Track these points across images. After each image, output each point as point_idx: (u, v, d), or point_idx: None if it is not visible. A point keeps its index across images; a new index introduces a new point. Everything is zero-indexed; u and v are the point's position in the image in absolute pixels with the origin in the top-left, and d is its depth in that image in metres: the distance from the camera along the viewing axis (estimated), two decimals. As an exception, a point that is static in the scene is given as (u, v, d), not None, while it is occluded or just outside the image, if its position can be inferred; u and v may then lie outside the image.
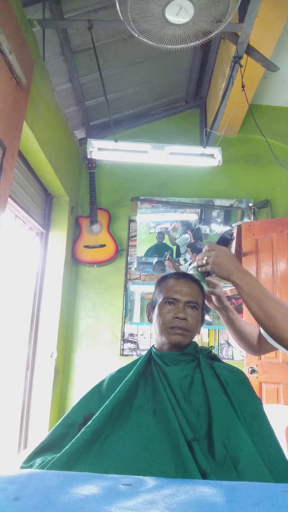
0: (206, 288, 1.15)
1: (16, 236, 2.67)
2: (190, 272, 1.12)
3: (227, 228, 3.20)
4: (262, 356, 2.54)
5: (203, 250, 1.10)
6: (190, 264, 3.10)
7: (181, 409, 0.88)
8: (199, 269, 1.10)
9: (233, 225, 3.17)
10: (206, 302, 1.18)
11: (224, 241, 1.11)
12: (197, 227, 3.22)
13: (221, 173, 3.24)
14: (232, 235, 1.12)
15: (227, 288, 2.98)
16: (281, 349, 1.20)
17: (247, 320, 2.64)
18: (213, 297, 1.21)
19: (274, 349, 1.22)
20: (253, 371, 2.53)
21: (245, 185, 3.28)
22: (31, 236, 2.78)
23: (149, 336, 3.11)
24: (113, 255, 3.05)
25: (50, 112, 2.38)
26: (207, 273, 1.10)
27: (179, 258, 3.16)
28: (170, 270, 3.08)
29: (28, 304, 2.70)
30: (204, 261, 1.07)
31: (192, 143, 2.85)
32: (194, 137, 3.33)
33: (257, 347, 1.24)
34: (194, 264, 1.11)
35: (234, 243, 2.73)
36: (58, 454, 0.82)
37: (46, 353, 2.67)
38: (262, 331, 1.23)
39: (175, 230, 3.25)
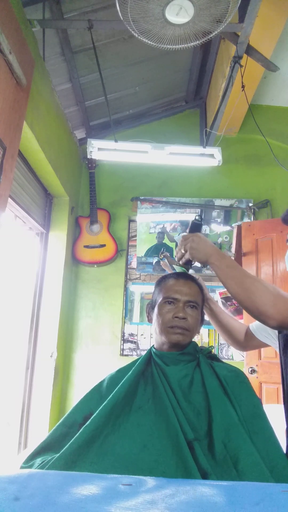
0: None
1: (16, 236, 2.67)
2: (176, 269, 1.15)
3: (227, 227, 3.20)
4: (262, 356, 2.54)
5: (179, 242, 1.12)
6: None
7: (181, 408, 0.88)
8: (180, 261, 1.12)
9: (233, 225, 3.17)
10: None
11: (195, 227, 1.16)
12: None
13: (221, 173, 3.24)
14: (201, 220, 1.17)
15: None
16: (268, 342, 1.21)
17: (246, 320, 2.65)
18: None
19: (262, 345, 1.25)
20: (253, 371, 2.53)
21: (245, 185, 3.28)
22: (31, 236, 2.78)
23: (149, 336, 3.11)
24: (113, 255, 3.05)
25: (50, 112, 2.38)
26: (189, 263, 1.12)
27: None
28: (167, 270, 3.07)
29: (28, 304, 2.70)
30: (182, 251, 1.10)
31: (192, 143, 2.85)
32: (194, 137, 3.33)
33: (244, 343, 1.27)
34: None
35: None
36: (58, 454, 0.82)
37: (46, 353, 2.67)
38: (252, 326, 1.26)
39: (175, 230, 3.25)
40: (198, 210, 3.26)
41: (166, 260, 2.90)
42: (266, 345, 1.25)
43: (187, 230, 1.20)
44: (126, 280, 3.17)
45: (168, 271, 1.43)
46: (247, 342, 1.26)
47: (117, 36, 2.43)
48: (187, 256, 1.09)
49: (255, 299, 0.92)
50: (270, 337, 1.21)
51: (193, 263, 1.13)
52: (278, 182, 3.23)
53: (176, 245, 3.18)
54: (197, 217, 1.18)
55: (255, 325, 1.25)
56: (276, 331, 1.16)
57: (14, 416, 2.50)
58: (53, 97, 2.46)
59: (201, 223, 1.18)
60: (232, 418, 0.86)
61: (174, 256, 1.19)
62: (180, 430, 0.83)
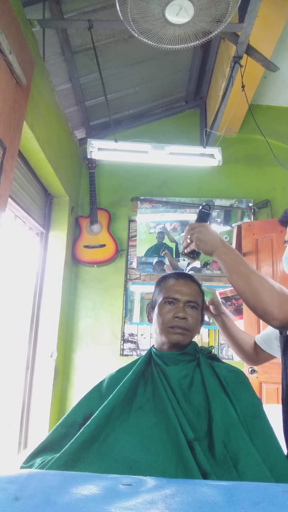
0: (206, 298, 1.15)
1: (16, 236, 2.67)
2: (183, 261, 1.12)
3: (227, 227, 3.20)
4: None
5: (185, 231, 1.08)
6: (188, 265, 3.10)
7: (181, 409, 0.88)
8: (185, 250, 1.08)
9: (233, 225, 3.17)
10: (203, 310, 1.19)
11: (203, 217, 1.11)
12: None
13: (221, 173, 3.24)
14: (209, 209, 1.12)
15: (227, 289, 2.98)
16: (276, 355, 1.19)
17: (246, 321, 2.65)
18: (211, 306, 1.22)
19: (271, 357, 1.21)
20: (253, 371, 2.53)
21: (245, 185, 3.27)
22: (31, 236, 2.78)
23: (149, 336, 3.11)
24: (113, 255, 3.05)
25: (50, 112, 2.38)
26: (195, 253, 1.08)
27: (178, 258, 3.16)
28: (168, 271, 3.08)
29: (28, 304, 2.70)
30: (188, 240, 1.06)
31: (192, 143, 2.85)
32: (194, 137, 3.33)
33: (254, 356, 1.24)
34: (184, 263, 1.11)
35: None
36: (58, 454, 0.82)
37: (46, 353, 2.67)
38: (257, 339, 1.22)
39: (175, 230, 3.25)
40: (198, 210, 3.25)
41: (167, 261, 2.91)
42: (274, 357, 1.20)
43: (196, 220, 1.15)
44: (126, 280, 3.17)
45: (168, 271, 1.43)
46: (257, 355, 1.23)
47: (117, 36, 2.43)
48: (192, 246, 1.05)
49: (261, 299, 0.90)
50: (277, 347, 1.17)
51: (199, 254, 1.09)
52: (278, 182, 3.23)
53: (177, 245, 3.20)
54: (206, 206, 1.12)
55: (260, 337, 1.22)
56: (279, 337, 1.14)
57: (14, 416, 2.50)
58: (53, 97, 2.46)
59: (210, 212, 1.12)
60: (232, 418, 0.86)
61: (175, 257, 1.18)
62: (180, 430, 0.83)
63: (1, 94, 1.54)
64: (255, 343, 1.23)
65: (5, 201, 1.66)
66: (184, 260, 3.13)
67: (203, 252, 1.04)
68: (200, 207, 1.11)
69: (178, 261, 3.14)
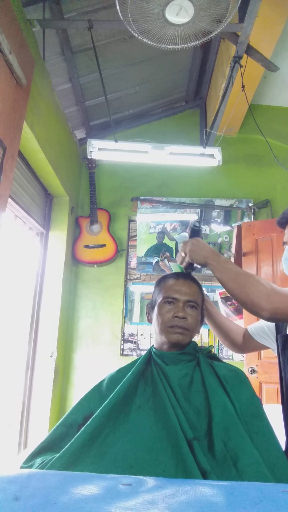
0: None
1: (16, 236, 2.67)
2: (174, 270, 1.20)
3: (227, 227, 3.20)
4: (262, 356, 2.54)
5: (180, 248, 1.20)
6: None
7: (181, 408, 0.88)
8: (182, 264, 1.18)
9: (233, 225, 3.17)
10: None
11: (195, 232, 1.27)
12: (190, 224, 3.22)
13: (221, 173, 3.24)
14: (199, 225, 1.27)
15: (227, 288, 2.98)
16: (267, 344, 1.21)
17: (246, 320, 2.65)
18: None
19: (261, 348, 1.27)
20: (253, 371, 2.53)
21: (245, 185, 3.27)
22: (31, 236, 2.78)
23: (149, 336, 3.11)
24: (113, 255, 3.05)
25: (50, 112, 2.38)
26: (191, 267, 1.18)
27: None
28: (166, 270, 3.08)
29: (28, 304, 2.70)
30: (183, 254, 1.16)
31: (192, 143, 2.85)
32: (194, 137, 3.33)
33: (242, 345, 1.29)
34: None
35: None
36: (58, 454, 0.82)
37: (46, 353, 2.67)
38: (250, 328, 1.27)
39: (175, 230, 3.25)
40: (198, 210, 3.26)
41: (166, 261, 2.91)
42: (264, 348, 1.26)
43: (187, 232, 1.31)
44: (126, 280, 3.17)
45: (167, 271, 1.45)
46: (245, 344, 1.27)
47: (117, 36, 2.43)
48: (187, 259, 1.14)
49: (248, 292, 0.98)
50: (269, 338, 1.22)
51: (194, 267, 1.19)
52: (278, 182, 3.23)
53: (177, 245, 3.20)
54: (196, 224, 1.28)
55: (253, 327, 1.26)
56: (275, 333, 1.16)
57: (14, 416, 2.50)
58: (53, 97, 2.46)
59: (200, 228, 1.31)
60: (232, 418, 0.86)
61: (175, 257, 1.24)
62: (180, 429, 0.83)
63: (1, 94, 1.54)
64: (245, 332, 1.28)
65: (5, 201, 1.66)
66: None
67: (196, 262, 1.14)
68: (191, 225, 1.26)
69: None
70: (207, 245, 1.14)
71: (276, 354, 1.14)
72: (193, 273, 1.19)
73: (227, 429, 0.84)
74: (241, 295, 1.00)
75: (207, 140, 2.99)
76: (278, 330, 1.15)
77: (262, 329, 1.23)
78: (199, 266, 1.18)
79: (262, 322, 1.25)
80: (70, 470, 0.78)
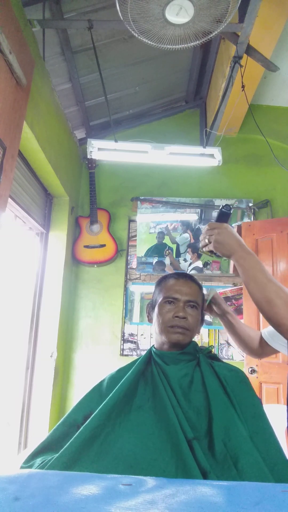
0: (208, 298, 1.18)
1: (16, 236, 2.67)
2: (185, 262, 1.12)
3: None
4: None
5: (204, 230, 1.04)
6: (190, 265, 3.10)
7: (181, 408, 0.88)
8: (204, 249, 1.05)
9: (233, 225, 3.17)
10: (206, 311, 1.21)
11: (223, 217, 1.04)
12: (197, 227, 3.22)
13: (221, 173, 3.24)
14: (230, 209, 1.07)
15: (227, 289, 2.98)
16: (282, 350, 1.20)
17: (246, 321, 2.65)
18: (214, 306, 1.23)
19: (276, 351, 1.23)
20: (253, 371, 2.53)
21: (245, 185, 3.27)
22: (31, 236, 2.78)
23: (149, 336, 3.11)
24: (113, 255, 3.05)
25: (50, 112, 2.38)
26: (213, 252, 1.04)
27: (179, 258, 3.16)
28: (169, 271, 3.08)
29: (28, 304, 2.70)
30: (207, 240, 1.02)
31: (192, 143, 2.85)
32: (194, 137, 3.33)
33: (259, 351, 1.25)
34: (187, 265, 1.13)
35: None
36: (58, 454, 0.82)
37: (46, 353, 2.67)
38: (264, 333, 1.23)
39: (175, 230, 3.25)
40: (198, 210, 3.26)
41: (168, 260, 2.91)
42: (278, 352, 1.22)
43: (217, 213, 1.07)
44: (126, 280, 3.17)
45: (169, 271, 1.43)
46: (262, 349, 1.23)
47: (117, 36, 2.43)
48: (210, 247, 1.01)
49: (277, 311, 0.86)
50: (284, 343, 1.17)
51: (216, 253, 1.05)
52: (278, 182, 3.23)
53: (178, 246, 3.20)
54: (227, 207, 1.06)
55: (267, 332, 1.22)
56: None
57: (14, 416, 2.50)
58: (53, 97, 2.46)
59: (230, 212, 1.06)
60: (232, 418, 0.86)
61: (175, 256, 1.19)
62: (180, 429, 0.83)
63: (1, 94, 1.54)
64: (261, 337, 1.23)
65: (5, 201, 1.66)
66: (185, 260, 3.13)
67: (221, 255, 1.00)
68: (221, 207, 1.06)
69: (179, 262, 3.14)
70: (235, 236, 0.98)
71: None
72: (195, 272, 1.17)
73: (227, 429, 0.84)
74: (267, 311, 0.88)
75: (207, 140, 2.99)
76: None
77: (275, 333, 1.17)
78: (200, 266, 1.12)
79: None
80: (70, 470, 0.78)
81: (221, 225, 1.00)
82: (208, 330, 3.04)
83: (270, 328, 1.23)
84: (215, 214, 3.23)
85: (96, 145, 2.30)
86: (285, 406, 1.09)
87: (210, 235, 1.00)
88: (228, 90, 2.51)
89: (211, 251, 1.03)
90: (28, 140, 2.08)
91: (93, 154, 2.34)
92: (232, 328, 1.25)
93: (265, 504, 0.50)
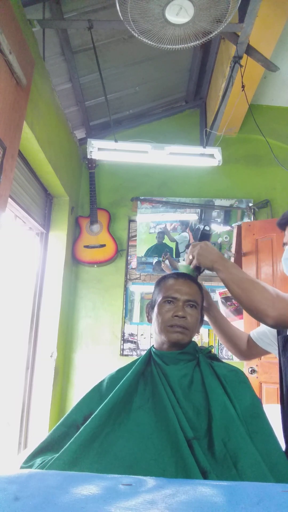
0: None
1: (16, 236, 2.67)
2: (182, 270, 1.21)
3: (227, 227, 3.20)
4: (262, 356, 2.54)
5: (188, 250, 1.21)
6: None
7: (181, 408, 0.88)
8: (191, 265, 1.19)
9: (233, 225, 3.17)
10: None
11: (204, 236, 1.28)
12: (197, 227, 3.22)
13: (221, 173, 3.24)
14: (209, 230, 1.31)
15: (227, 289, 2.97)
16: (271, 350, 1.21)
17: (246, 321, 2.65)
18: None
19: (264, 353, 1.25)
20: (253, 371, 2.53)
21: (245, 185, 3.27)
22: (31, 236, 2.78)
23: (149, 336, 3.11)
24: (113, 255, 3.05)
25: (50, 112, 2.38)
26: (198, 270, 1.20)
27: (179, 258, 3.16)
28: (167, 271, 3.08)
29: (28, 304, 2.70)
30: (191, 257, 1.17)
31: (192, 143, 2.85)
32: (194, 137, 3.33)
33: (247, 352, 1.28)
34: (183, 262, 1.21)
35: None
36: (58, 454, 0.82)
37: (46, 353, 2.67)
38: (253, 334, 1.26)
39: (175, 230, 3.25)
40: (198, 210, 3.26)
41: (167, 262, 2.92)
42: (267, 353, 1.25)
43: (198, 233, 1.30)
44: (126, 280, 3.17)
45: (168, 272, 1.47)
46: (250, 350, 1.27)
47: (117, 36, 2.43)
48: (194, 262, 1.16)
49: (254, 298, 0.98)
50: (272, 343, 1.21)
51: (202, 270, 1.21)
52: (278, 182, 3.23)
53: (177, 245, 3.20)
54: (206, 227, 1.28)
55: (256, 333, 1.26)
56: (277, 336, 1.16)
57: (14, 416, 2.50)
58: (53, 97, 2.46)
59: (210, 233, 1.29)
60: (231, 417, 0.86)
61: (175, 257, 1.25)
62: (180, 428, 0.83)
63: (1, 94, 1.54)
64: (249, 338, 1.27)
65: (5, 201, 1.66)
66: (184, 260, 3.13)
67: (203, 266, 1.15)
68: (202, 228, 1.28)
69: (179, 261, 3.14)
70: (215, 249, 1.15)
71: (278, 355, 1.14)
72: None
73: (227, 429, 0.84)
74: (246, 301, 1.00)
75: (207, 140, 2.99)
76: (279, 332, 1.15)
77: (265, 333, 1.22)
78: (204, 270, 1.19)
79: (264, 327, 1.24)
80: (70, 470, 0.78)
81: (202, 242, 1.18)
82: (208, 330, 3.04)
83: (259, 328, 1.26)
84: (215, 213, 3.24)
85: (96, 145, 2.30)
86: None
87: (193, 251, 1.16)
88: (228, 90, 2.51)
89: (197, 268, 1.19)
90: (28, 140, 2.08)
91: (93, 154, 2.34)
92: (218, 324, 1.27)
93: (265, 504, 0.50)
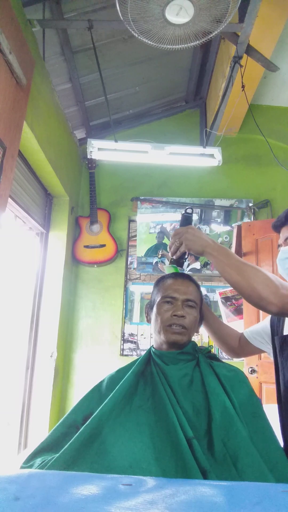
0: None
1: (16, 236, 2.67)
2: (165, 269, 1.14)
3: (227, 227, 3.20)
4: (262, 356, 2.54)
5: (171, 237, 1.10)
6: (187, 266, 3.10)
7: (180, 407, 0.88)
8: (174, 256, 1.10)
9: (233, 225, 3.17)
10: None
11: (186, 220, 1.15)
12: (197, 227, 3.22)
13: (221, 173, 3.24)
14: (191, 212, 1.17)
15: (227, 289, 2.98)
16: (264, 348, 1.21)
17: (246, 321, 2.64)
18: None
19: (256, 351, 1.24)
20: (253, 371, 2.53)
21: (245, 185, 3.27)
22: (31, 236, 2.78)
23: (149, 336, 3.11)
24: (113, 255, 3.05)
25: (50, 112, 2.38)
26: (182, 257, 1.11)
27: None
28: (164, 271, 3.07)
29: (28, 304, 2.70)
30: (177, 243, 1.07)
31: (192, 143, 2.85)
32: (194, 137, 3.33)
33: (238, 349, 1.26)
34: (167, 263, 1.15)
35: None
36: (58, 454, 0.82)
37: (46, 353, 2.67)
38: (246, 332, 1.26)
39: (174, 230, 3.25)
40: (198, 210, 3.26)
41: (165, 261, 2.91)
42: (260, 351, 1.24)
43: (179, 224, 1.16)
44: (126, 280, 3.17)
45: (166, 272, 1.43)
46: (241, 348, 1.26)
47: (117, 36, 2.43)
48: (182, 248, 1.07)
49: (256, 286, 0.91)
50: (265, 342, 1.20)
51: (186, 257, 1.12)
52: (278, 182, 3.23)
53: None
54: (188, 210, 1.15)
55: (249, 331, 1.25)
56: (271, 336, 1.16)
57: (14, 416, 2.50)
58: (53, 97, 2.46)
59: (191, 214, 1.16)
60: (231, 417, 0.86)
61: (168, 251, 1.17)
62: (180, 428, 0.83)
63: (1, 94, 1.54)
64: (241, 336, 1.26)
65: (5, 201, 1.66)
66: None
67: (193, 252, 1.05)
68: (183, 212, 1.15)
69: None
70: (203, 233, 1.07)
71: (272, 357, 1.14)
72: (192, 273, 1.17)
73: (226, 429, 0.84)
74: (247, 288, 0.93)
75: (207, 140, 2.99)
76: (274, 332, 1.14)
77: (259, 332, 1.22)
78: (198, 267, 1.14)
79: (258, 326, 1.24)
80: (70, 470, 0.78)
81: (189, 226, 1.08)
82: (208, 330, 3.04)
83: (253, 327, 1.26)
84: (215, 213, 3.24)
85: (96, 145, 2.30)
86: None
87: (180, 237, 1.07)
88: (228, 90, 2.51)
89: (182, 257, 1.09)
90: (28, 140, 2.08)
91: (93, 154, 2.34)
92: (208, 321, 1.25)
93: (265, 504, 0.50)
